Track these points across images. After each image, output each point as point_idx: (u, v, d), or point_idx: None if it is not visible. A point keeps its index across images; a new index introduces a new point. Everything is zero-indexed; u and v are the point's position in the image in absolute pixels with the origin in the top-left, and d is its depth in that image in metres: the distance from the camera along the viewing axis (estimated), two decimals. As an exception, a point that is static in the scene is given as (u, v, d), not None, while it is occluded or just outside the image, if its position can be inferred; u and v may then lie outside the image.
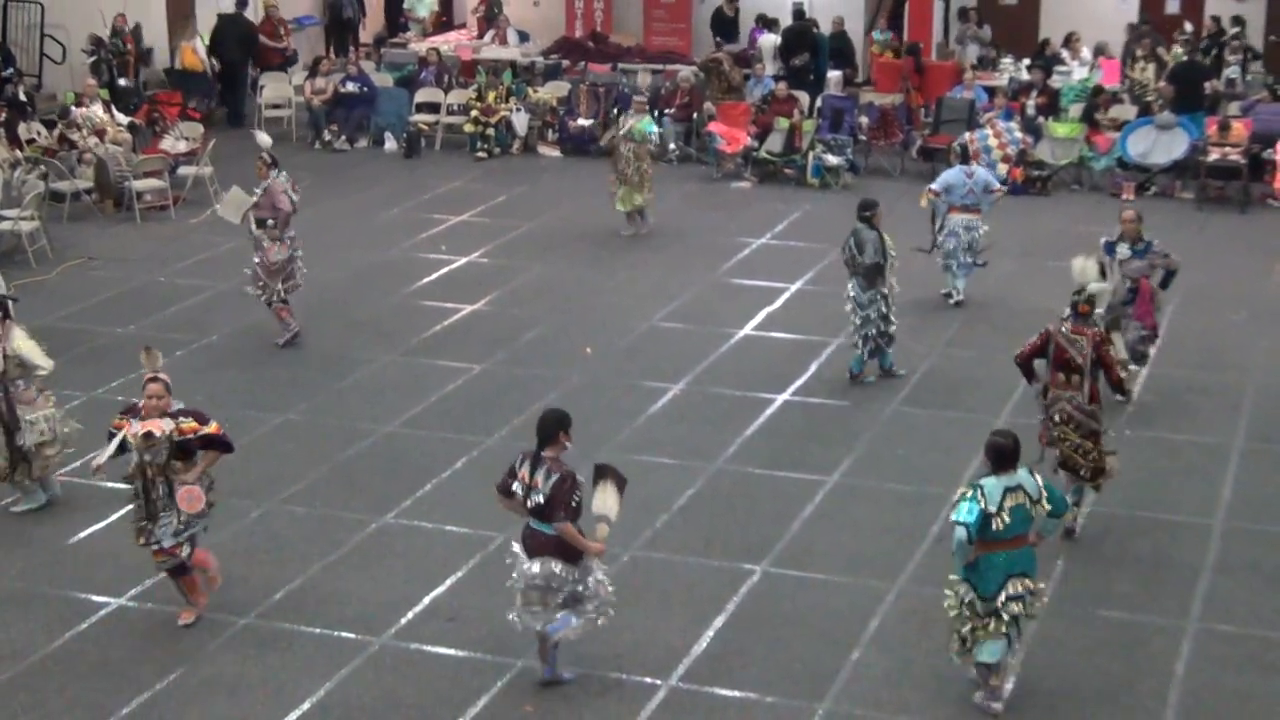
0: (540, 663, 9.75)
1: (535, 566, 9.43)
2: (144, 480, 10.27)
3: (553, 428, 9.38)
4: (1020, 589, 9.30)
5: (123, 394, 14.38)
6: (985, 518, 9.12)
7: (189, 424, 10.22)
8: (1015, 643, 9.49)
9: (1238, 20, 25.95)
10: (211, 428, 10.29)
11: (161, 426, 10.16)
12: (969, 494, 9.24)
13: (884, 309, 14.34)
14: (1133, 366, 13.91)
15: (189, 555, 10.41)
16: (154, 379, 10.28)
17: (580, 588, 9.47)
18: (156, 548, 10.32)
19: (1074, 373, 11.34)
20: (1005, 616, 9.29)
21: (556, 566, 9.39)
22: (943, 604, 9.62)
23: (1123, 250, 13.88)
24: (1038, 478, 9.39)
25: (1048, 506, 9.33)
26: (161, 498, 10.24)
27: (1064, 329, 11.44)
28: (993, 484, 9.22)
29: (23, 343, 11.99)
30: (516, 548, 9.63)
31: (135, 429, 10.20)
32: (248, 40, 26.49)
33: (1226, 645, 10.18)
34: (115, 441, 10.28)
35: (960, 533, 9.13)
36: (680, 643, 10.19)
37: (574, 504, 9.30)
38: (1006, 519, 9.16)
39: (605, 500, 9.45)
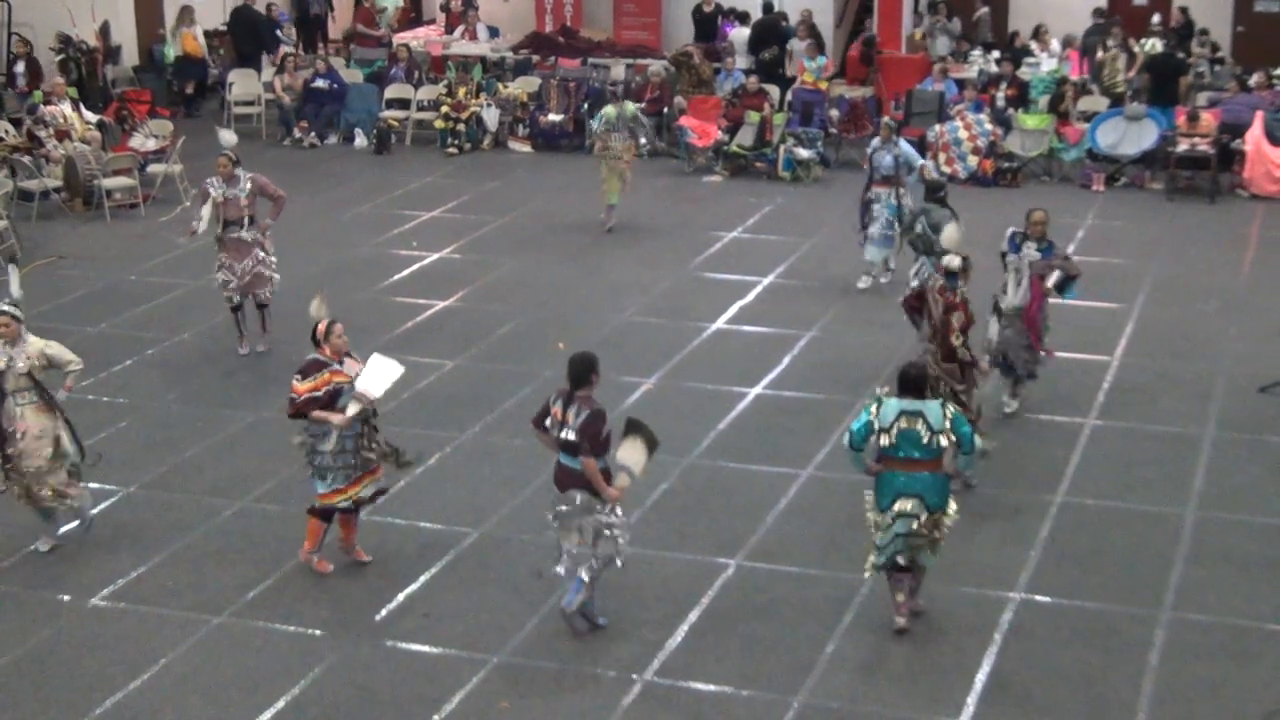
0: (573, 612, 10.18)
1: (576, 497, 9.95)
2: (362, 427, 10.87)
3: (584, 370, 9.93)
4: (909, 508, 9.90)
5: (94, 393, 14.35)
6: (870, 430, 9.86)
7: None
8: (901, 557, 10.04)
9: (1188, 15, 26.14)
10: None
11: (356, 366, 10.86)
12: (868, 404, 9.99)
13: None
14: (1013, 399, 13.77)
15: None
16: (334, 321, 10.91)
17: (609, 518, 10.01)
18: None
19: (935, 329, 12.07)
20: (892, 532, 9.95)
21: (583, 497, 9.93)
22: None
23: (1030, 250, 13.38)
24: (948, 410, 9.92)
25: (952, 438, 9.84)
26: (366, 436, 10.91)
27: (934, 287, 12.17)
28: (892, 404, 9.91)
29: (42, 344, 11.26)
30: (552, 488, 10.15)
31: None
32: (258, 30, 26.91)
33: (1199, 634, 10.23)
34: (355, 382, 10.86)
35: (845, 438, 10.06)
36: (655, 637, 10.19)
37: (602, 438, 9.88)
38: (893, 439, 9.82)
39: (632, 454, 10.03)
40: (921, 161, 16.65)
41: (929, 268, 14.49)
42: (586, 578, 10.04)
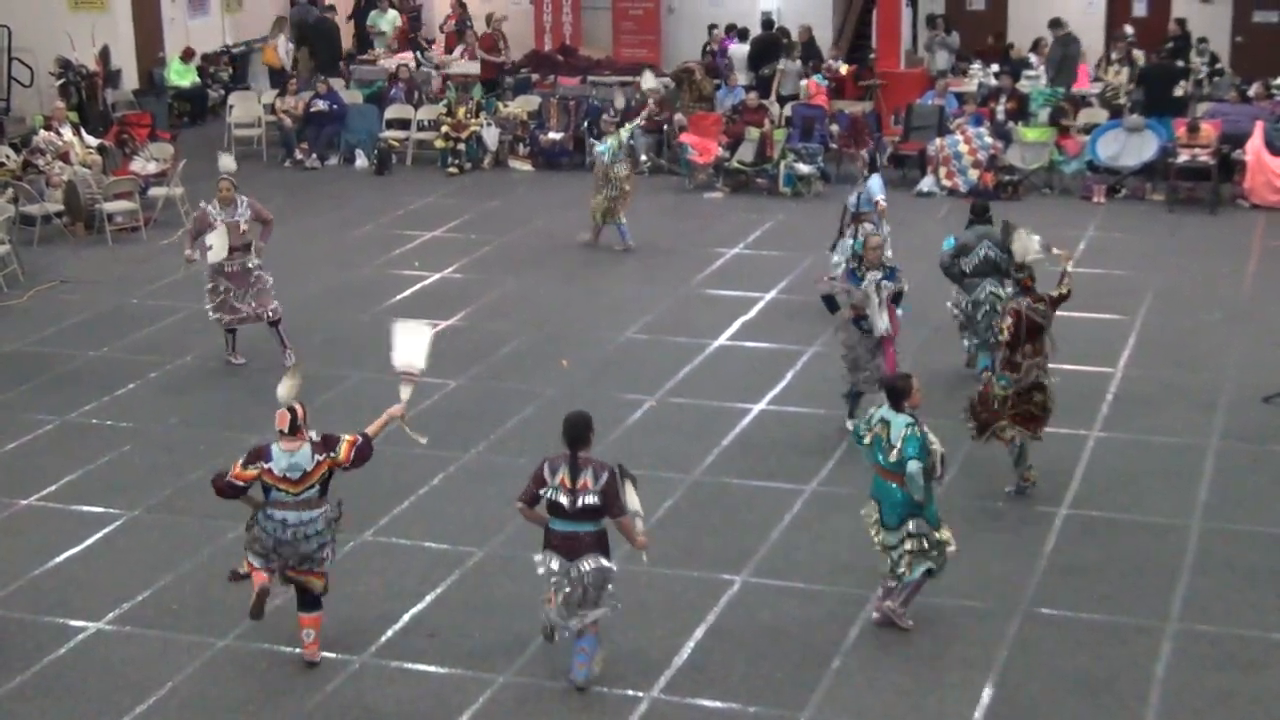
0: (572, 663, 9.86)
1: (585, 565, 9.58)
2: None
3: (583, 429, 9.58)
4: (871, 514, 10.29)
5: (96, 417, 14.36)
6: (863, 429, 10.39)
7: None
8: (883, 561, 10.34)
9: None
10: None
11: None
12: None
13: None
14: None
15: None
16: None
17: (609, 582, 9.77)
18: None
19: (1043, 336, 12.13)
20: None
21: (601, 561, 9.62)
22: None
23: (873, 278, 13.25)
24: (908, 431, 10.01)
25: (896, 454, 10.01)
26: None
27: (1026, 304, 12.10)
28: (881, 411, 10.31)
29: None
30: (543, 558, 9.70)
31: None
32: (333, 43, 27.67)
33: (1206, 645, 10.22)
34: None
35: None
36: (661, 654, 10.18)
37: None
38: (869, 441, 10.24)
39: (632, 498, 9.76)
40: (879, 198, 16.44)
41: (994, 285, 14.23)
42: (586, 625, 9.69)
